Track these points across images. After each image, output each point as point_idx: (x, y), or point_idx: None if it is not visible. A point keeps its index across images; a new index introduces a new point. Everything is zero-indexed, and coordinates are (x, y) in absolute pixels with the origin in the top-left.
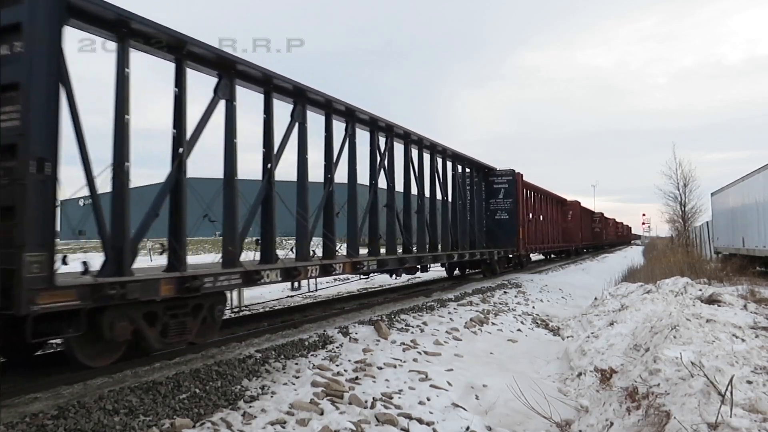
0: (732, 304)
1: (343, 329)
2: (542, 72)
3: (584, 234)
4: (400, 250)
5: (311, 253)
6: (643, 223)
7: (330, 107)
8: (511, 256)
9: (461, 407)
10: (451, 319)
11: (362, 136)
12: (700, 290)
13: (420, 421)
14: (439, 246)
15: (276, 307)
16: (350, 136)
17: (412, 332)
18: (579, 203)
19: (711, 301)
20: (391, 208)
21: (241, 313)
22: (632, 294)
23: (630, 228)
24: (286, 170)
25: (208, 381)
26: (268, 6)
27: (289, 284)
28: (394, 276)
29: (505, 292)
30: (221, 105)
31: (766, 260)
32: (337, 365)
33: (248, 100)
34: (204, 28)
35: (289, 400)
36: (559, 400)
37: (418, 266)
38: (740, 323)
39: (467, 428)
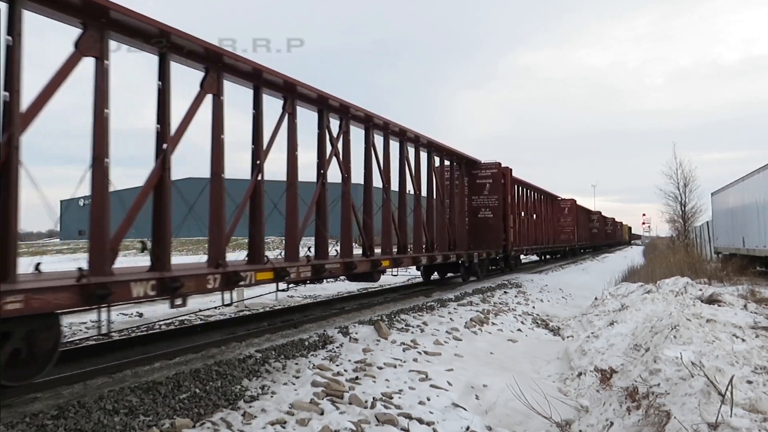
0: (732, 304)
1: (343, 329)
2: (539, 72)
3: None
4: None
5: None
6: (643, 223)
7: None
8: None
9: (461, 407)
10: (451, 319)
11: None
12: (701, 290)
13: (420, 421)
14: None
15: (276, 307)
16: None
17: (413, 332)
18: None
19: (711, 301)
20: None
21: (241, 314)
22: (632, 294)
23: (629, 227)
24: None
25: (208, 381)
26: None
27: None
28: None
29: (505, 292)
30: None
31: (767, 260)
32: (337, 365)
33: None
34: (204, 27)
35: (289, 400)
36: (559, 400)
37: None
38: (740, 323)
39: (467, 428)
